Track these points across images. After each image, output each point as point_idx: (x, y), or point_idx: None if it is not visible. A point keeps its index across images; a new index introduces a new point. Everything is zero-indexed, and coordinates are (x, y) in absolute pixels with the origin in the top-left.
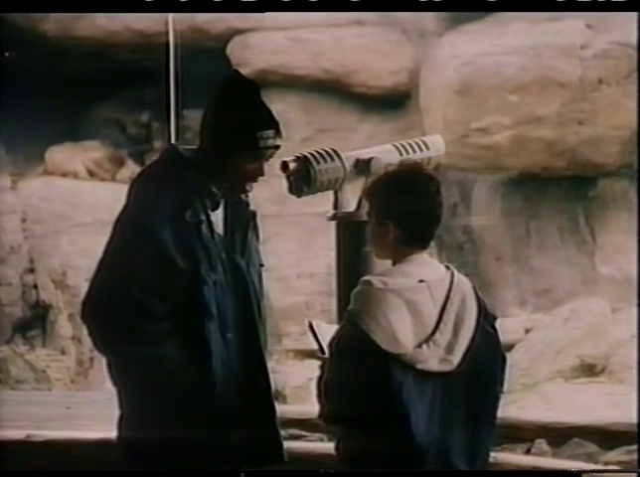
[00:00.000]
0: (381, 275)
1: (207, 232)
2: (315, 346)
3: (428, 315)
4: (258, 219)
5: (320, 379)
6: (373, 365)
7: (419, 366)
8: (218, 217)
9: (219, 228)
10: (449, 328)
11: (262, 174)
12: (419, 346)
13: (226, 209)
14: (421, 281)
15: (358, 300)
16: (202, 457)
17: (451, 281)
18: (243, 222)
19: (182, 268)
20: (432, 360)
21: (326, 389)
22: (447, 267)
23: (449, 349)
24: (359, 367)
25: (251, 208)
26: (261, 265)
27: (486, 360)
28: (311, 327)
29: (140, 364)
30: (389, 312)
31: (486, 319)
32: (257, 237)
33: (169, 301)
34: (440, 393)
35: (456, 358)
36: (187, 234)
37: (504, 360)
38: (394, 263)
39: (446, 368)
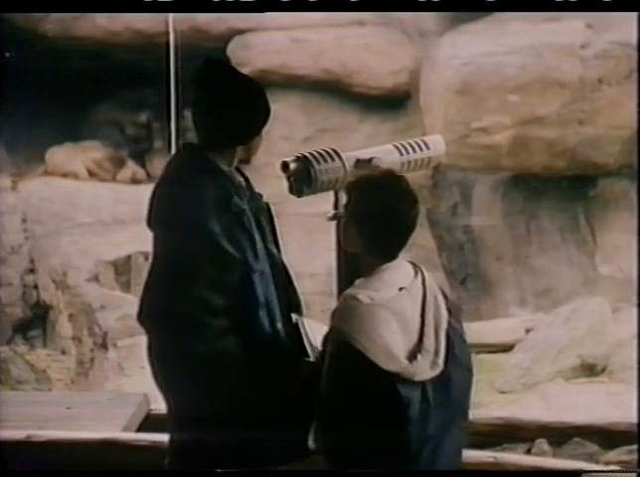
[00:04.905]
0: (364, 288)
1: (247, 220)
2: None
3: (413, 322)
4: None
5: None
6: (374, 384)
7: (417, 378)
8: None
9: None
10: (432, 330)
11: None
12: (414, 357)
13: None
14: (401, 289)
15: (346, 318)
16: (267, 449)
17: (423, 281)
18: (265, 212)
19: (235, 258)
20: (426, 368)
21: (325, 410)
22: (413, 265)
23: (436, 352)
24: (360, 387)
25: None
26: None
27: (460, 353)
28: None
29: (204, 360)
30: (380, 328)
31: (452, 313)
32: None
33: (226, 293)
34: (430, 395)
35: (441, 359)
36: (233, 223)
37: (469, 351)
38: (365, 268)
39: (436, 371)
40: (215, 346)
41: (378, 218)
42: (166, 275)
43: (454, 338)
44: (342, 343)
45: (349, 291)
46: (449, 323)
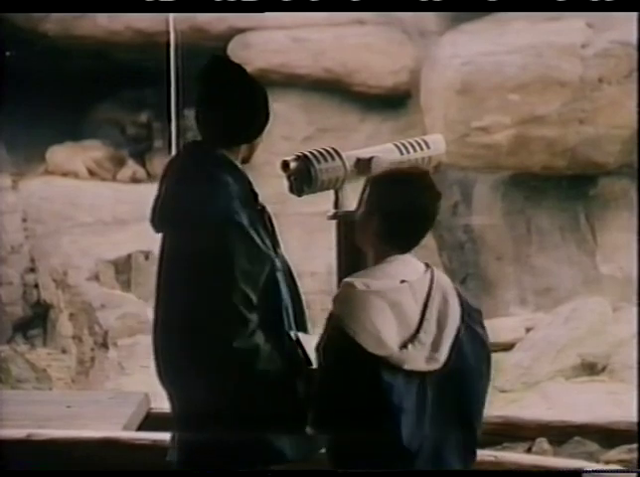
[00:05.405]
0: (363, 277)
1: (267, 218)
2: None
3: (411, 315)
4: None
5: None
6: (360, 368)
7: (406, 366)
8: None
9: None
10: (433, 326)
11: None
12: (405, 346)
13: None
14: (403, 282)
15: (341, 303)
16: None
17: (431, 279)
18: (265, 214)
19: (265, 254)
20: (419, 359)
21: (315, 394)
22: (427, 265)
23: (435, 347)
24: (347, 370)
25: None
26: None
27: (472, 357)
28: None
29: (238, 356)
30: (372, 314)
31: (470, 316)
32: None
33: (256, 290)
34: (429, 391)
35: (442, 356)
36: (256, 220)
37: (489, 357)
38: (375, 260)
39: (433, 366)
40: (249, 342)
41: (400, 211)
42: (200, 272)
43: (466, 339)
44: (335, 327)
45: (348, 278)
46: (465, 325)
